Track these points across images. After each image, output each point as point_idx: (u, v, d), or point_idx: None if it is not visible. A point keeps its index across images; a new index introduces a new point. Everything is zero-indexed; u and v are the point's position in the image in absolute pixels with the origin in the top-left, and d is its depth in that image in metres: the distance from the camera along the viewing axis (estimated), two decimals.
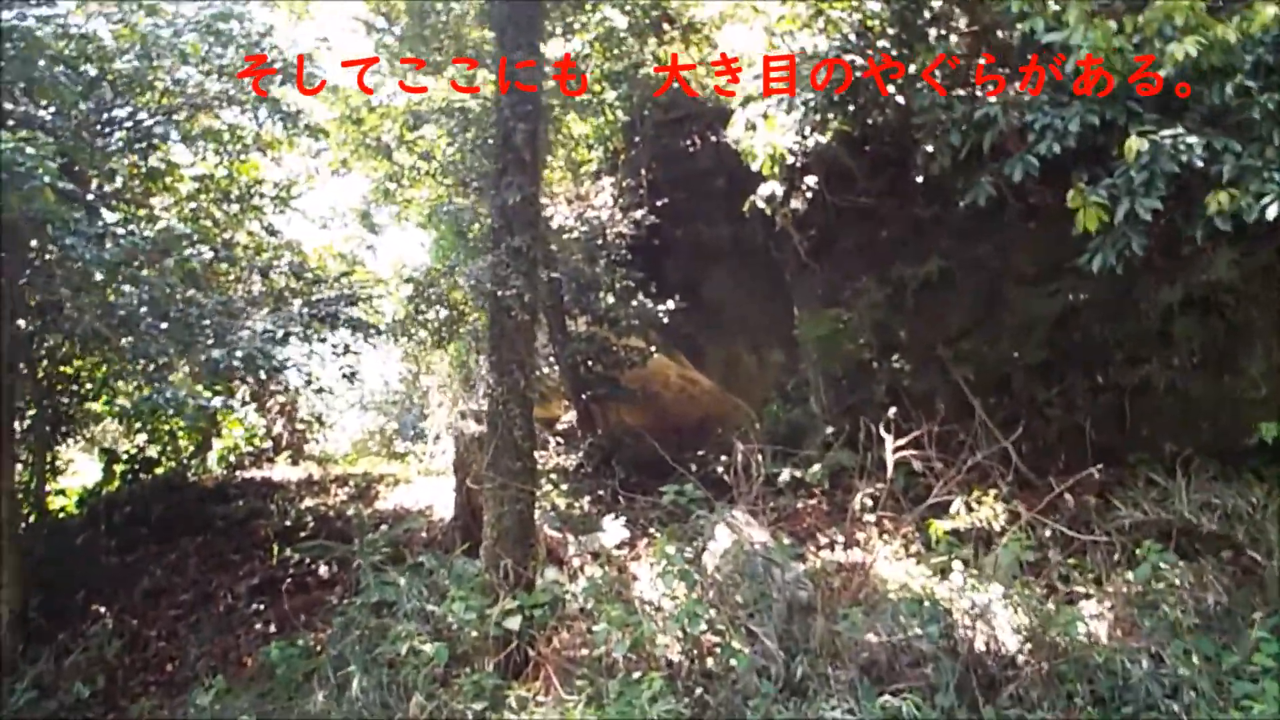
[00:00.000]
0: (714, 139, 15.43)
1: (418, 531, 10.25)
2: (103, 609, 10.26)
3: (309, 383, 9.24)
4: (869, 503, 10.31)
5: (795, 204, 14.32)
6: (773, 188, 10.13)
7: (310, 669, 7.44)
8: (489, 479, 7.75)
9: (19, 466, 11.85)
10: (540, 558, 8.05)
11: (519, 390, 7.73)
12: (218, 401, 8.13)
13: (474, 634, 6.99)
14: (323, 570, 10.39)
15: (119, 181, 10.72)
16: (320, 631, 9.09)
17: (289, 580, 10.33)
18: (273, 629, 9.50)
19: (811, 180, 11.53)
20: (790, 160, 10.24)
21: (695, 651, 6.52)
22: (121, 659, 9.48)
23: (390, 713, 6.62)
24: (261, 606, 9.84)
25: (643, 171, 15.11)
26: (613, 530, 9.15)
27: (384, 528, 9.61)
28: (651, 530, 10.23)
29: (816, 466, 11.47)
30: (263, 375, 8.36)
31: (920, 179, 12.96)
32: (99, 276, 7.50)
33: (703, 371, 16.33)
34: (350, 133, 12.36)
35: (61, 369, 11.92)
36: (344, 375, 9.82)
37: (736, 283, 15.65)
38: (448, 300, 13.83)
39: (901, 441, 8.53)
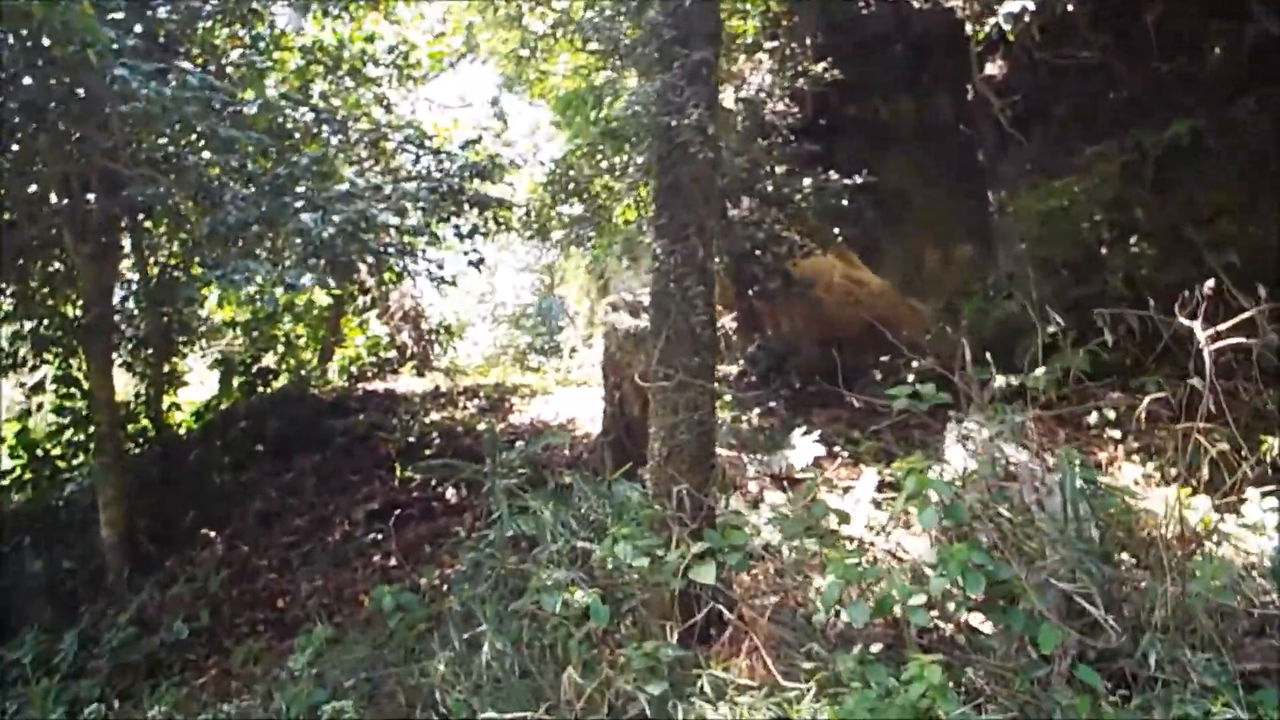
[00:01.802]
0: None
1: (559, 449, 8.33)
2: (213, 533, 8.80)
3: (430, 275, 7.25)
4: (1110, 415, 7.92)
5: (991, 68, 11.70)
6: (1022, 2, 7.46)
7: (432, 620, 5.59)
8: (657, 379, 5.61)
9: (133, 378, 10.53)
10: (721, 482, 5.91)
11: (698, 261, 5.55)
12: (309, 285, 6.14)
13: (645, 585, 4.94)
14: (450, 494, 8.62)
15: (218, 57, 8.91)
16: (446, 568, 7.30)
17: (412, 505, 8.60)
18: (392, 563, 7.78)
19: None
20: None
21: (963, 623, 4.31)
22: (229, 591, 7.95)
23: (535, 688, 4.68)
24: (381, 535, 8.14)
25: (807, 39, 12.42)
26: (803, 447, 6.99)
27: (520, 444, 7.67)
28: (838, 449, 8.04)
29: (1040, 371, 8.92)
30: (368, 257, 6.38)
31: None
32: (159, 120, 5.60)
33: (876, 270, 13.70)
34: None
35: (175, 274, 10.41)
36: (471, 263, 7.83)
37: (919, 167, 12.88)
38: (589, 191, 11.75)
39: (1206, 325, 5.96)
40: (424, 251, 7.25)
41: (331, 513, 8.82)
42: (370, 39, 9.13)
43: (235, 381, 10.99)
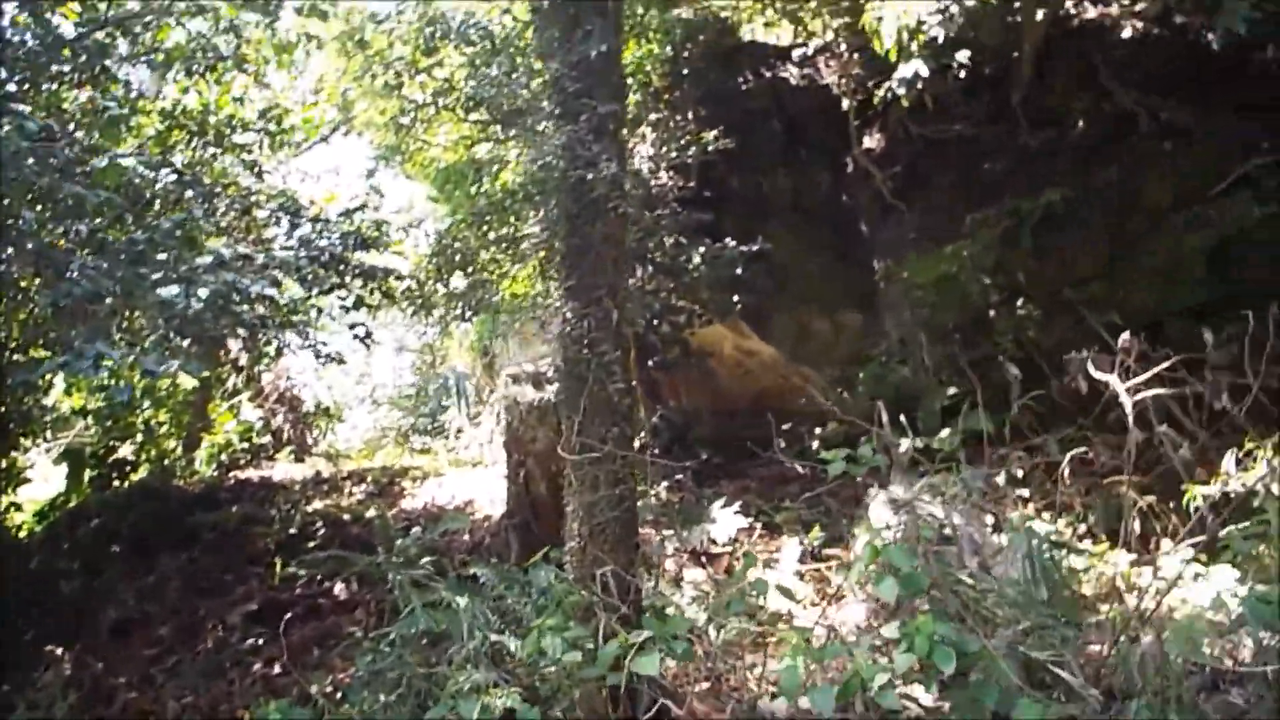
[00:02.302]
0: (769, 75, 12.94)
1: (458, 534, 7.68)
2: (59, 650, 7.65)
3: (316, 351, 6.61)
4: (1018, 474, 7.99)
5: (869, 141, 11.98)
6: (915, 67, 7.52)
7: None
8: (573, 453, 5.16)
9: None
10: (645, 563, 5.46)
11: (611, 325, 5.16)
12: (172, 370, 5.38)
13: (574, 682, 4.40)
14: (339, 590, 7.82)
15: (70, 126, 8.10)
16: (339, 673, 6.53)
17: (296, 604, 7.75)
18: (276, 671, 6.92)
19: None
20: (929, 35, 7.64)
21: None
22: (79, 717, 6.84)
23: None
24: (261, 640, 7.27)
25: (689, 113, 12.43)
26: (725, 520, 6.60)
27: (416, 530, 7.00)
28: (754, 521, 7.69)
29: (946, 432, 8.87)
30: (240, 331, 5.72)
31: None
32: None
33: (766, 340, 13.65)
34: (352, 64, 9.77)
35: (12, 357, 9.30)
36: (358, 337, 7.21)
37: (801, 238, 13.00)
38: (474, 264, 11.28)
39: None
40: (303, 326, 6.60)
41: (202, 618, 7.86)
42: (240, 100, 8.51)
43: (85, 475, 9.86)
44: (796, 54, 12.56)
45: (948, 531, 5.48)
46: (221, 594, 8.14)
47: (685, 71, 12.21)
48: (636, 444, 10.15)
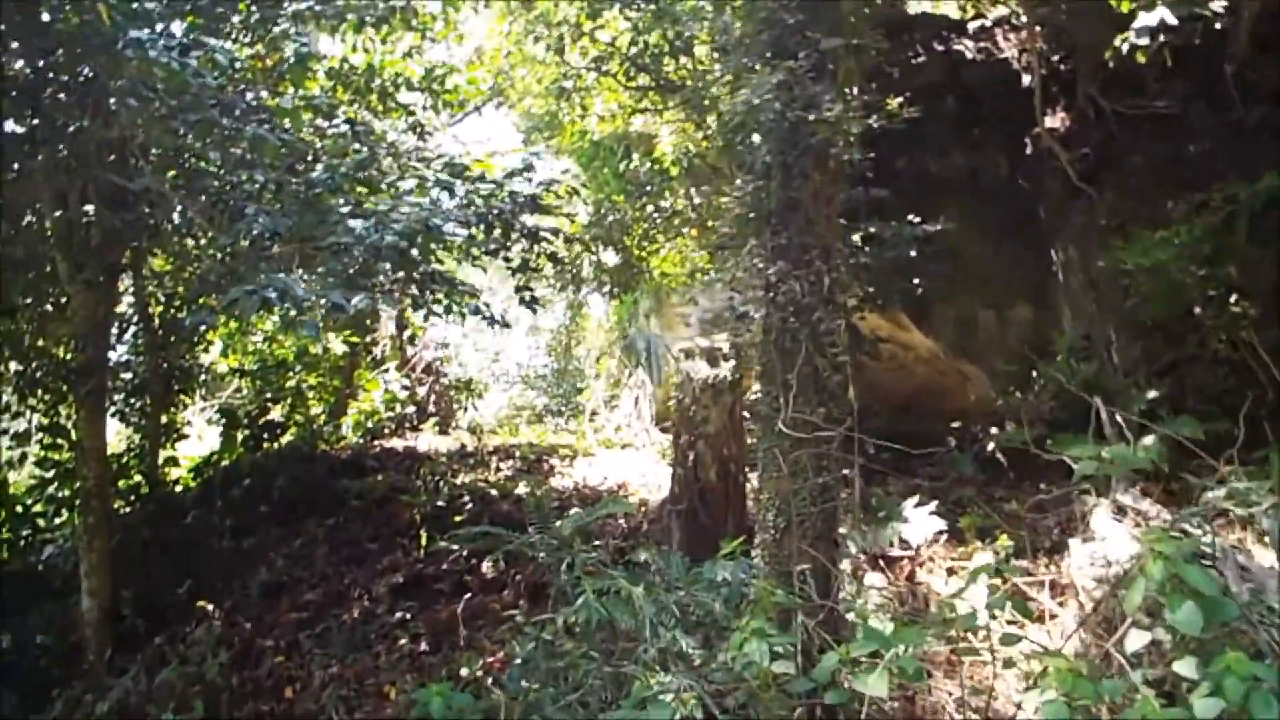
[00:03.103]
0: (942, 49, 11.93)
1: (613, 518, 7.13)
2: (210, 607, 7.51)
3: (483, 314, 6.18)
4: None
5: (1052, 120, 10.88)
6: (1160, 14, 6.54)
7: None
8: (772, 434, 4.51)
9: (124, 429, 9.33)
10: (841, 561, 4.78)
11: (824, 290, 4.47)
12: (361, 307, 4.97)
13: (775, 697, 3.75)
14: (485, 567, 7.39)
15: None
16: (488, 656, 6.07)
17: (441, 580, 7.38)
18: (423, 648, 6.55)
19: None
20: None
21: None
22: (229, 678, 6.68)
23: None
24: (408, 615, 6.91)
25: (855, 88, 11.45)
26: (919, 521, 5.83)
27: (576, 511, 6.48)
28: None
29: (1150, 440, 7.82)
30: (411, 287, 5.30)
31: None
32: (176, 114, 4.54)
33: (927, 332, 12.66)
34: (515, 26, 9.36)
35: (176, 314, 9.30)
36: (524, 302, 6.75)
37: (971, 223, 11.90)
38: (627, 239, 10.78)
39: None
40: (471, 287, 6.16)
41: (348, 586, 7.58)
42: (410, 54, 8.16)
43: (239, 435, 9.78)
44: (973, 26, 11.59)
45: (1206, 549, 4.58)
46: (368, 563, 7.84)
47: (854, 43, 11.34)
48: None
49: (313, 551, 8.12)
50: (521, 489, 8.14)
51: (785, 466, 4.54)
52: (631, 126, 12.44)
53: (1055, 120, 10.70)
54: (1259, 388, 8.17)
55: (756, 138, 4.84)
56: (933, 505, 6.10)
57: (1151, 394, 8.59)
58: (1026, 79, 10.84)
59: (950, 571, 6.51)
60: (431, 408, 10.80)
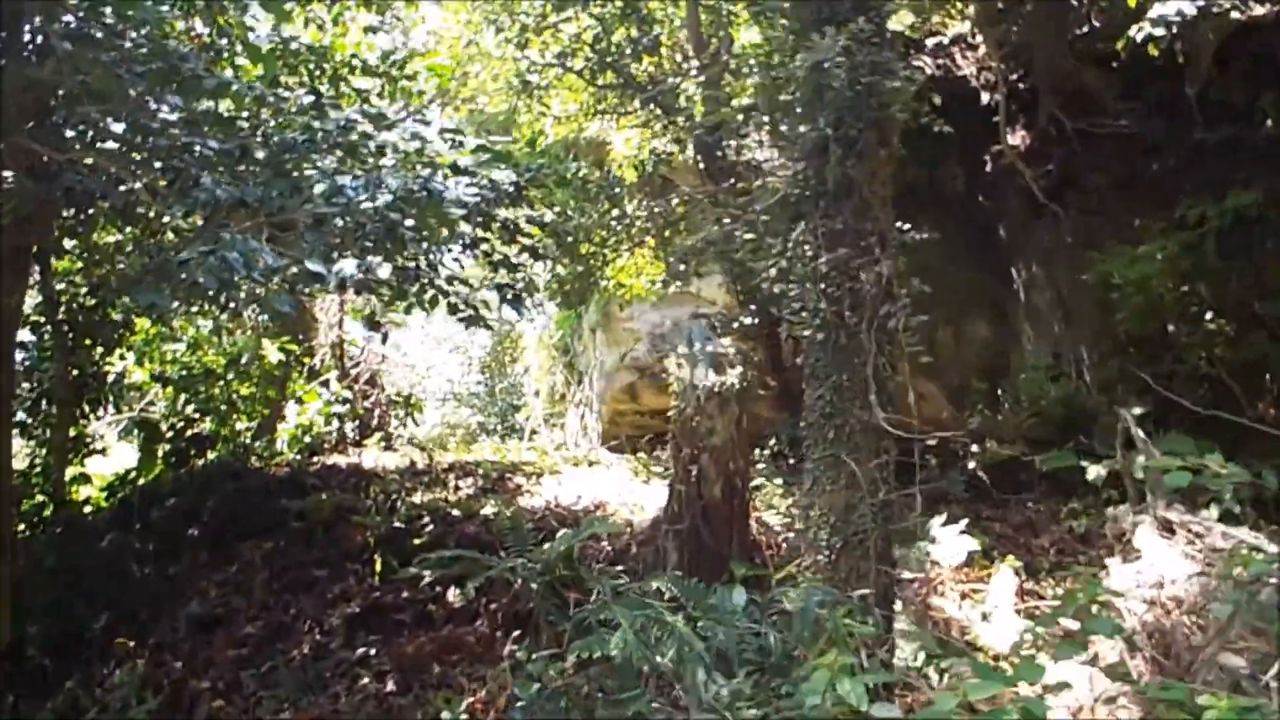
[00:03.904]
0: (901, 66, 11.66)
1: (599, 539, 6.47)
2: (132, 644, 6.53)
3: (461, 308, 5.50)
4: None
5: (1014, 139, 10.76)
6: (1178, 6, 6.30)
7: None
8: (825, 440, 3.96)
9: (28, 442, 8.25)
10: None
11: (883, 281, 3.97)
12: (348, 277, 4.23)
13: None
14: (452, 595, 6.61)
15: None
16: (471, 696, 5.34)
17: (402, 610, 6.59)
18: (390, 687, 5.76)
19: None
20: None
21: None
22: None
23: None
24: (369, 650, 6.09)
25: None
26: (949, 540, 5.36)
27: (565, 533, 5.82)
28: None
29: (1141, 459, 7.57)
30: (389, 244, 4.59)
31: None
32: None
33: None
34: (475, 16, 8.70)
35: (89, 312, 8.29)
36: (505, 300, 6.07)
37: (929, 240, 11.64)
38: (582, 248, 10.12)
39: None
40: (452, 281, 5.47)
41: (294, 618, 6.71)
42: (370, 29, 7.40)
43: (159, 450, 8.75)
44: (930, 43, 11.47)
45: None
46: (315, 591, 6.99)
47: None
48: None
49: (250, 579, 7.21)
50: (488, 509, 7.40)
51: (843, 478, 3.98)
52: (585, 131, 11.89)
53: (1016, 138, 10.58)
54: (1235, 404, 8.11)
55: (797, 111, 4.32)
56: (963, 524, 5.63)
57: (1137, 410, 8.44)
58: (985, 97, 10.73)
59: (964, 595, 6.08)
60: (375, 422, 9.93)
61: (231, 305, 6.43)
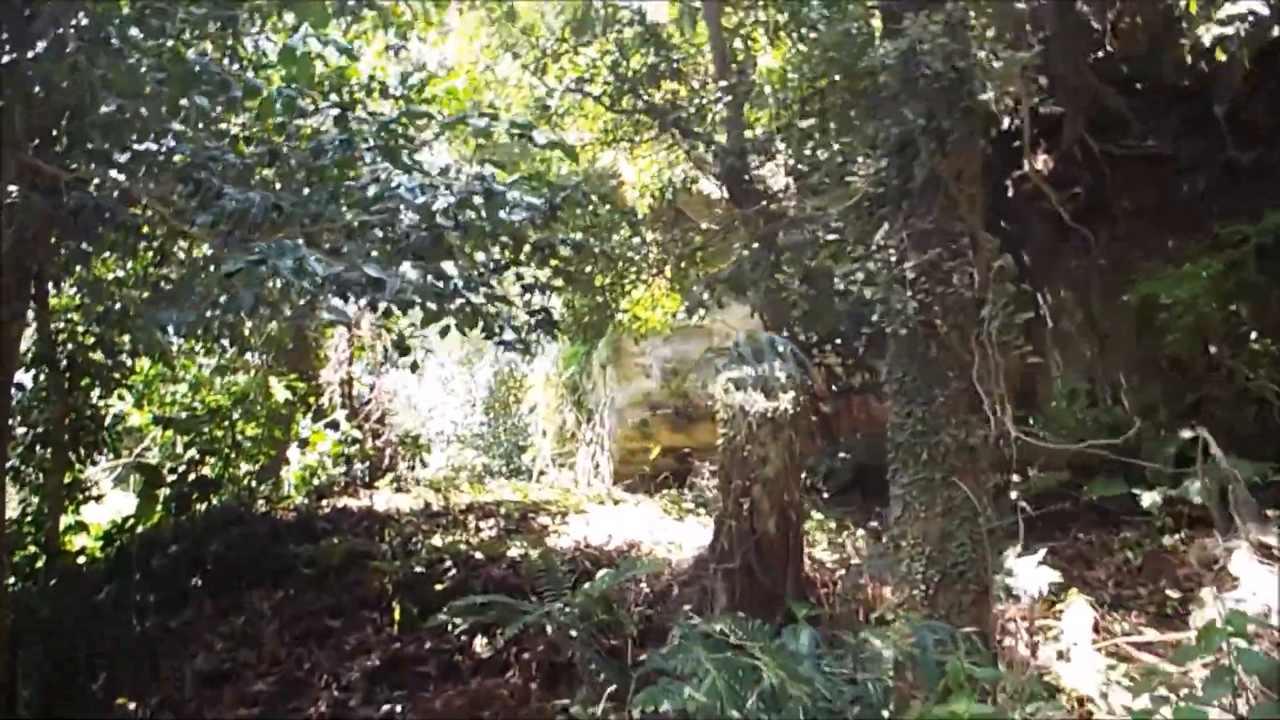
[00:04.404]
0: None
1: (638, 580, 6.02)
2: (134, 703, 6.02)
3: (505, 335, 5.14)
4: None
5: (1037, 163, 10.52)
6: (1251, 4, 6.05)
7: None
8: (915, 461, 3.57)
9: (15, 490, 7.78)
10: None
11: (975, 285, 3.61)
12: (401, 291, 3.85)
13: None
14: (479, 644, 6.14)
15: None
16: None
17: (426, 661, 6.11)
18: None
19: None
20: None
21: None
22: None
23: None
24: (395, 706, 5.60)
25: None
26: (1027, 571, 4.94)
27: (604, 574, 5.39)
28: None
29: (1195, 484, 7.18)
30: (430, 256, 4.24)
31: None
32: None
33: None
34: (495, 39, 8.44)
35: (88, 350, 7.88)
36: (540, 325, 5.69)
37: None
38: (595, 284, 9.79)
39: None
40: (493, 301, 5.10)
41: (309, 672, 6.22)
42: (393, 50, 7.11)
43: (160, 496, 8.27)
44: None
45: None
46: (330, 642, 6.50)
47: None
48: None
49: (259, 630, 6.71)
50: (514, 551, 6.94)
51: (940, 504, 3.58)
52: (597, 161, 11.62)
53: (1039, 163, 10.35)
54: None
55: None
56: (1041, 553, 5.21)
57: (1186, 434, 8.08)
58: (1006, 122, 10.51)
59: (1031, 632, 5.64)
60: (385, 463, 9.47)
61: (254, 328, 6.08)
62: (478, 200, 4.26)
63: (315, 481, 8.83)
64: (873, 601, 5.68)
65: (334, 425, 9.06)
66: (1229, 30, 6.19)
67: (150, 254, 5.78)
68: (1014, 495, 4.55)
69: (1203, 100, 9.39)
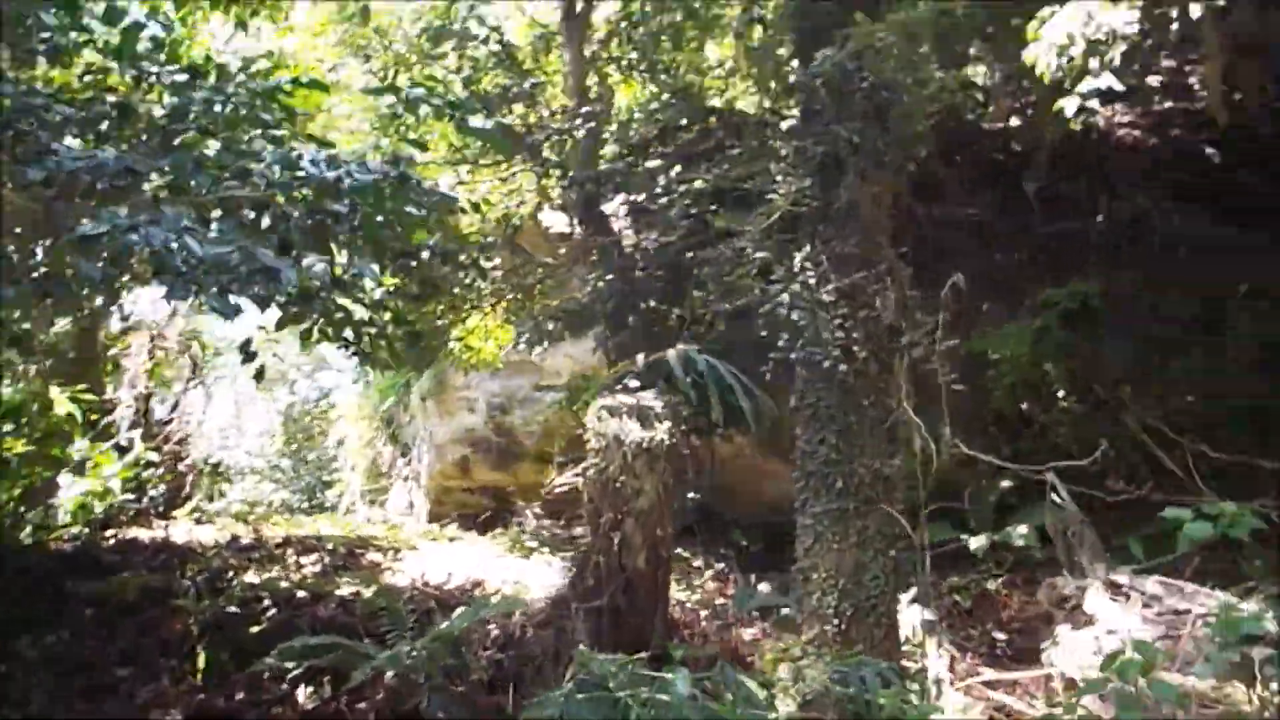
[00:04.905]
0: (755, 143, 11.89)
1: (485, 622, 5.56)
2: None
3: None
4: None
5: None
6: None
7: None
8: (829, 491, 3.47)
9: None
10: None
11: (892, 311, 3.59)
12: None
13: None
14: (302, 694, 5.44)
15: None
16: None
17: (242, 715, 5.34)
18: None
19: None
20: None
21: None
22: None
23: None
24: None
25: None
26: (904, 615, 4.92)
27: (463, 610, 4.93)
28: None
29: (1024, 529, 7.58)
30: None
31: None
32: None
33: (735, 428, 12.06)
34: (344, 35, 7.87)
35: None
36: (406, 338, 5.21)
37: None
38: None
39: None
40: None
41: None
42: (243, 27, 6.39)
43: None
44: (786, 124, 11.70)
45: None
46: (118, 697, 5.56)
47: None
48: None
49: (26, 683, 5.65)
50: (345, 589, 6.26)
51: (853, 534, 3.46)
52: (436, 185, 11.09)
53: None
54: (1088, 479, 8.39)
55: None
56: (912, 593, 5.21)
57: (1005, 484, 8.56)
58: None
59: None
60: (185, 492, 8.42)
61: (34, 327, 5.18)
62: (389, 181, 3.78)
63: (98, 510, 7.68)
64: (734, 643, 5.52)
65: (123, 447, 7.94)
66: (1093, 104, 6.65)
67: None
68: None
69: (1016, 175, 10.23)
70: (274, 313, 4.53)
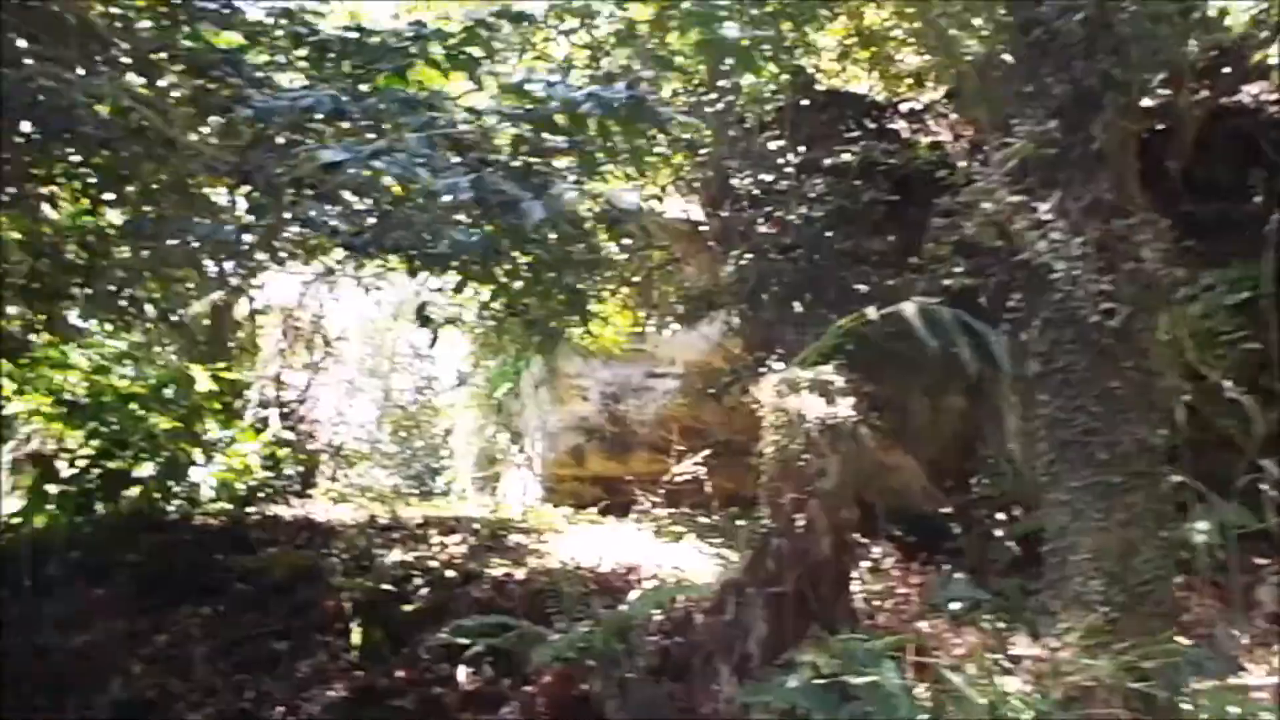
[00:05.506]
0: (874, 127, 11.38)
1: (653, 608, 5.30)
2: None
3: None
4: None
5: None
6: None
7: None
8: (1093, 464, 3.08)
9: None
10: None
11: (1146, 272, 3.18)
12: None
13: None
14: (462, 674, 5.28)
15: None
16: None
17: (401, 694, 5.23)
18: None
19: None
20: None
21: None
22: None
23: None
24: None
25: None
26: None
27: (642, 594, 4.69)
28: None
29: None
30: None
31: None
32: None
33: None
34: None
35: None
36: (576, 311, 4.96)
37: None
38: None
39: None
40: None
41: (255, 704, 5.20)
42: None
43: (52, 492, 7.02)
44: (905, 107, 11.22)
45: None
46: (279, 670, 5.48)
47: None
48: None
49: (189, 652, 5.63)
50: (498, 570, 6.09)
51: (1120, 512, 3.08)
52: None
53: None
54: None
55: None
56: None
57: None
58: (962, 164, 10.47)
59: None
60: (325, 469, 8.40)
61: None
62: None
63: (241, 487, 7.68)
64: (937, 633, 5.17)
65: (261, 425, 7.95)
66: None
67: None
68: None
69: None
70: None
